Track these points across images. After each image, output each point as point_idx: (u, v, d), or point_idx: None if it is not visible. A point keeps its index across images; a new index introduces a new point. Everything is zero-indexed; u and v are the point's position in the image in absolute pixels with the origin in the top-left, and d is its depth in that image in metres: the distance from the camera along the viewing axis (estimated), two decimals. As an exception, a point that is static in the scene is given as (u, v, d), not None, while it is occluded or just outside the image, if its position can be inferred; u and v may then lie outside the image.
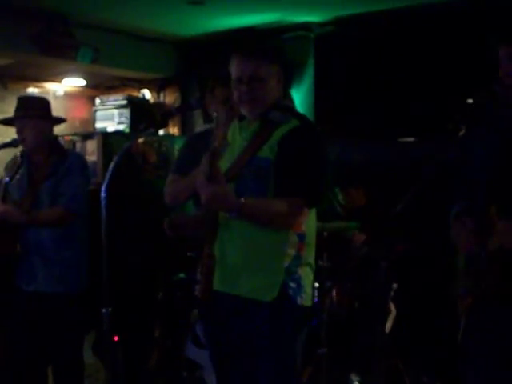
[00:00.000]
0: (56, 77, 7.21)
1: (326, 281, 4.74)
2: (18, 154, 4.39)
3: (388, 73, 5.75)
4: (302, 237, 3.08)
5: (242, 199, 2.89)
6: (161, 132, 6.99)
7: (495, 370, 2.78)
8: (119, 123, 7.05)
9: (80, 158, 4.48)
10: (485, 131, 2.93)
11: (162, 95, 7.48)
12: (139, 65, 7.04)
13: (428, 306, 5.29)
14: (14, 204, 4.14)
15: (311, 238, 3.15)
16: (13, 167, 4.36)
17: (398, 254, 4.90)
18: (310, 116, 6.14)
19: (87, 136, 6.48)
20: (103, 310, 3.36)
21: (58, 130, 4.50)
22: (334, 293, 4.87)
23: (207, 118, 4.15)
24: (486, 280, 2.74)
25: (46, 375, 4.40)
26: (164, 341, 5.15)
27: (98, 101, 7.31)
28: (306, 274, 3.11)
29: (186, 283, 4.90)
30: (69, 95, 7.62)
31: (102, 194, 3.28)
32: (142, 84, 7.50)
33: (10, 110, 4.44)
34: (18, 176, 4.30)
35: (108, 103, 7.19)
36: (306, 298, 3.09)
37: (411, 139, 5.67)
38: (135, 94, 7.49)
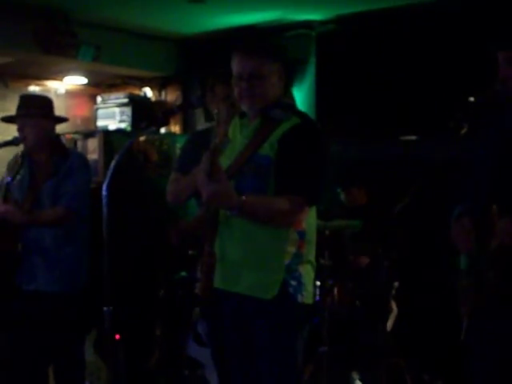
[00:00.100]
0: (57, 75, 7.20)
1: (328, 279, 4.74)
2: (20, 153, 4.39)
3: (389, 71, 5.75)
4: (302, 234, 3.07)
5: (243, 197, 2.89)
6: (162, 130, 6.99)
7: (498, 370, 2.78)
8: (121, 121, 7.04)
9: (81, 157, 4.48)
10: (487, 131, 2.93)
11: (163, 93, 7.48)
12: (141, 63, 7.04)
13: (429, 305, 5.29)
14: (16, 204, 4.13)
15: (312, 235, 3.15)
16: (14, 166, 4.35)
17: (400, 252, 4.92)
18: (312, 114, 6.14)
19: (88, 134, 6.47)
20: (104, 309, 3.36)
21: (60, 128, 4.49)
22: (335, 291, 4.87)
23: (208, 116, 4.15)
24: (488, 279, 2.74)
25: (46, 374, 4.40)
26: (165, 339, 5.15)
27: (99, 99, 7.30)
28: (307, 272, 3.10)
29: (187, 281, 4.90)
30: (70, 93, 7.62)
31: (104, 193, 3.27)
32: (144, 82, 7.50)
33: (11, 109, 4.44)
34: (19, 176, 4.30)
35: (109, 101, 7.18)
36: (307, 296, 3.09)
37: (413, 138, 5.66)
38: (137, 92, 7.49)
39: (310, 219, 3.13)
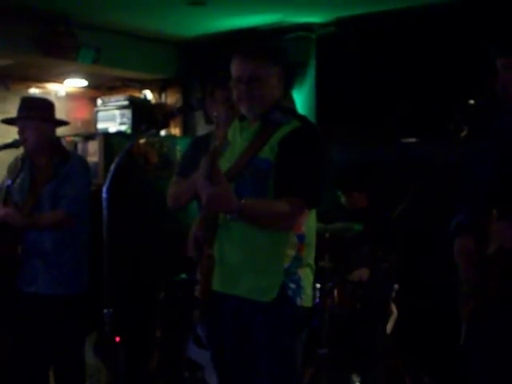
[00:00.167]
0: (58, 77, 7.21)
1: (328, 282, 4.74)
2: (20, 155, 4.39)
3: (389, 73, 5.75)
4: (301, 238, 3.07)
5: (243, 200, 2.89)
6: (162, 133, 7.00)
7: (498, 374, 2.78)
8: (121, 124, 7.05)
9: (81, 160, 4.48)
10: (486, 135, 2.93)
11: (163, 96, 7.48)
12: (141, 65, 7.05)
13: (429, 307, 5.29)
14: (16, 207, 4.14)
15: (311, 238, 3.15)
16: (15, 169, 4.36)
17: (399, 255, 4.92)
18: (312, 117, 6.14)
19: (89, 137, 6.48)
20: (105, 311, 3.37)
21: (60, 130, 4.50)
22: (335, 293, 4.87)
23: (208, 119, 4.15)
24: (487, 283, 2.74)
25: (47, 376, 4.40)
26: (165, 341, 5.15)
27: (99, 101, 7.31)
28: (306, 275, 3.10)
29: (187, 284, 4.90)
30: (70, 96, 7.63)
31: (104, 195, 3.28)
32: (144, 85, 7.50)
33: (12, 111, 4.45)
34: (19, 179, 4.30)
35: (110, 104, 7.19)
36: (306, 299, 3.09)
37: (413, 140, 5.67)
38: (137, 94, 7.49)
39: (309, 222, 3.13)
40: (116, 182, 3.27)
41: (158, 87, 7.48)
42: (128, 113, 7.03)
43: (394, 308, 4.95)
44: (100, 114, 7.26)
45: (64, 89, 7.51)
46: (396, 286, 4.96)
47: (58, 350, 4.29)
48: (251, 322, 3.05)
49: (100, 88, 7.73)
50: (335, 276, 4.83)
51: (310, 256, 3.14)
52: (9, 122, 4.38)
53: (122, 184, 3.80)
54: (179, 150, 6.37)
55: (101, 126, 7.20)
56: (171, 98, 7.44)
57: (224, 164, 3.05)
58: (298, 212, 2.99)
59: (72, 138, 6.53)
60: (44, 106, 4.33)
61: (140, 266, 5.86)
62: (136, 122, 6.94)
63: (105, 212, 3.29)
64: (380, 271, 4.64)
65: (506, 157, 2.78)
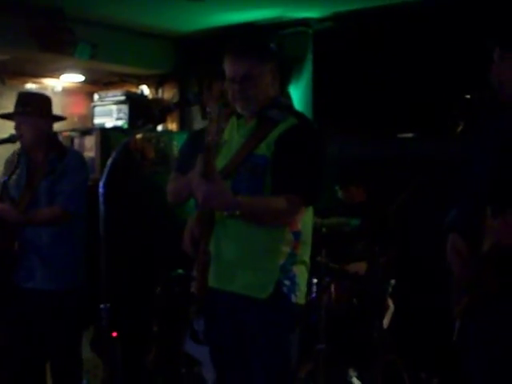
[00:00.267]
0: (54, 72, 7.20)
1: (325, 277, 4.74)
2: (17, 150, 4.38)
3: (387, 68, 5.75)
4: (297, 235, 3.08)
5: (239, 197, 2.89)
6: (159, 128, 6.99)
7: (493, 370, 2.78)
8: (117, 119, 7.05)
9: (78, 155, 4.47)
10: (484, 132, 2.93)
11: (160, 91, 7.48)
12: (138, 61, 7.04)
13: (426, 302, 5.29)
14: (12, 202, 4.13)
15: (307, 236, 3.15)
16: (11, 165, 4.35)
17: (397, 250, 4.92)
18: (309, 112, 6.14)
19: (85, 132, 6.48)
20: (101, 306, 3.37)
21: (57, 126, 4.49)
22: (332, 289, 4.87)
23: (205, 114, 4.14)
24: (482, 279, 2.74)
25: (44, 371, 4.40)
26: (162, 337, 5.15)
27: (96, 97, 7.31)
28: (301, 272, 3.11)
29: (184, 279, 4.90)
30: (67, 91, 7.61)
31: (100, 190, 3.28)
32: (141, 80, 7.49)
33: (8, 106, 4.44)
34: (15, 174, 4.29)
35: (106, 99, 7.19)
36: (300, 296, 3.10)
37: (410, 135, 5.67)
38: (133, 89, 7.49)
39: (305, 219, 3.13)
40: (113, 178, 3.27)
41: (155, 82, 7.47)
42: (125, 108, 7.03)
43: (390, 303, 4.95)
44: (97, 109, 7.26)
45: (61, 84, 7.50)
46: (393, 281, 4.96)
47: (55, 346, 4.28)
48: (246, 319, 3.06)
49: (97, 83, 7.72)
50: (332, 271, 4.83)
51: (305, 253, 3.14)
52: (5, 117, 4.37)
53: (119, 179, 3.80)
54: (176, 145, 6.37)
55: (97, 121, 7.20)
56: (168, 93, 7.43)
57: (221, 161, 3.06)
58: (295, 209, 3.00)
59: (69, 133, 6.53)
60: (41, 102, 4.32)
61: (137, 261, 5.86)
62: (133, 117, 6.95)
63: (101, 207, 3.29)
64: (377, 266, 4.63)
65: (504, 154, 2.77)
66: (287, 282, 3.04)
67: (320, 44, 6.35)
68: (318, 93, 6.34)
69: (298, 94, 6.21)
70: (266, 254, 3.03)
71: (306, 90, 6.36)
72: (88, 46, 6.35)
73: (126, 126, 6.90)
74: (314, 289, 4.74)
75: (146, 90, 7.48)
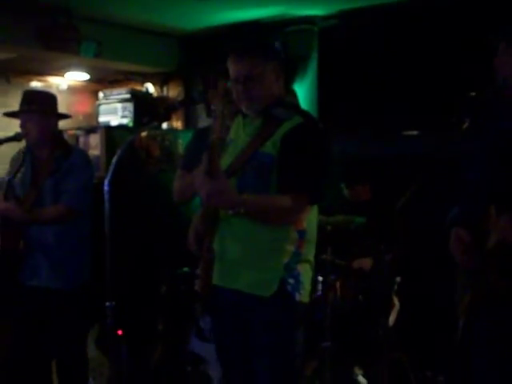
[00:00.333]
0: (59, 71, 7.20)
1: (330, 274, 4.73)
2: (22, 149, 4.39)
3: (391, 66, 5.74)
4: (302, 233, 3.08)
5: (244, 195, 2.89)
6: (164, 126, 6.99)
7: (495, 369, 2.78)
8: (123, 117, 7.05)
9: (83, 154, 4.47)
10: (485, 130, 2.93)
11: (165, 89, 7.48)
12: (143, 59, 7.04)
13: (431, 300, 5.29)
14: (17, 201, 4.13)
15: (312, 234, 3.15)
16: (17, 163, 4.35)
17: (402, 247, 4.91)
18: (314, 110, 6.14)
19: (90, 130, 6.48)
20: (107, 304, 3.37)
21: (62, 124, 4.49)
22: (337, 286, 4.87)
23: (210, 112, 4.15)
24: (485, 277, 2.73)
25: (49, 370, 4.41)
26: (168, 335, 5.15)
27: (101, 95, 7.31)
28: (305, 271, 3.11)
29: (189, 277, 4.90)
30: (72, 89, 7.62)
31: (105, 188, 3.28)
32: (146, 78, 7.49)
33: (13, 104, 4.44)
34: (20, 172, 4.30)
35: (111, 97, 7.19)
36: (305, 295, 3.10)
37: (415, 133, 5.66)
38: (138, 87, 7.49)
39: (310, 218, 3.13)
40: (118, 176, 3.27)
41: (160, 80, 7.47)
42: (130, 106, 7.03)
43: (396, 300, 4.94)
44: (102, 108, 7.26)
45: (66, 82, 7.50)
46: (398, 279, 4.96)
47: (61, 344, 4.29)
48: (251, 316, 3.07)
49: (102, 81, 7.72)
50: (337, 268, 4.83)
51: (309, 252, 3.14)
52: (11, 115, 4.38)
53: (124, 177, 3.80)
54: (181, 143, 6.36)
55: (102, 119, 7.20)
56: (173, 92, 7.43)
57: (227, 159, 3.06)
58: (300, 208, 3.00)
59: (74, 132, 6.53)
60: (46, 100, 4.32)
61: (142, 259, 5.86)
62: (138, 115, 6.94)
63: (107, 205, 3.30)
64: (382, 264, 4.63)
65: (505, 153, 2.77)
66: (291, 281, 3.04)
67: (325, 42, 6.34)
68: (322, 91, 6.33)
69: (302, 92, 6.19)
70: (271, 252, 3.03)
71: (310, 88, 6.35)
72: (93, 44, 6.35)
73: (131, 124, 6.90)
74: (320, 286, 4.73)
75: (151, 88, 7.48)
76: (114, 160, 3.28)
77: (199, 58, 7.04)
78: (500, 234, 2.67)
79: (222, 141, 3.10)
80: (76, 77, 7.36)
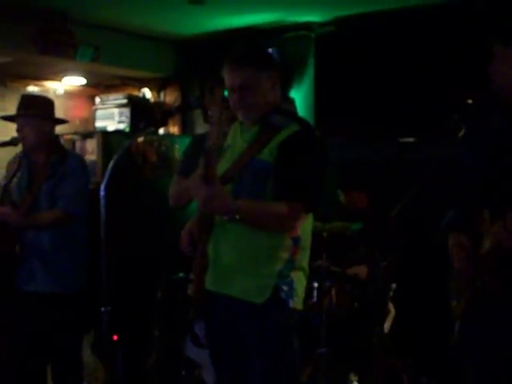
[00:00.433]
0: (56, 75, 7.20)
1: (326, 281, 4.73)
2: (19, 153, 4.38)
3: (388, 73, 5.75)
4: (296, 241, 3.08)
5: (239, 202, 2.90)
6: (161, 131, 6.99)
7: (490, 371, 2.79)
8: (119, 122, 7.05)
9: (79, 159, 4.47)
10: (475, 132, 2.94)
11: (162, 94, 7.49)
12: (139, 64, 7.04)
13: (427, 307, 5.29)
14: (13, 205, 4.13)
15: (306, 242, 3.15)
16: (13, 167, 4.35)
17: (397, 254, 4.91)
18: (310, 115, 6.15)
19: (87, 135, 6.47)
20: (102, 309, 3.37)
21: (58, 129, 4.49)
22: (333, 293, 4.87)
23: (207, 118, 4.15)
24: (480, 280, 2.74)
25: (45, 374, 4.40)
26: (163, 340, 5.14)
27: (98, 100, 7.31)
28: (299, 278, 3.11)
29: (185, 282, 4.90)
30: (69, 94, 7.62)
31: (102, 193, 3.28)
32: (143, 83, 7.50)
33: (10, 108, 4.45)
34: (17, 177, 4.29)
35: (108, 102, 7.19)
36: (298, 302, 3.10)
37: (411, 139, 5.66)
38: (135, 93, 7.50)
39: (305, 226, 3.13)
40: (114, 181, 3.27)
41: (157, 86, 7.48)
42: (126, 111, 7.02)
43: (391, 307, 4.94)
44: (98, 113, 7.26)
45: (62, 87, 7.50)
46: (394, 285, 4.96)
47: (56, 348, 4.29)
48: (243, 323, 3.07)
49: (98, 86, 7.72)
50: (333, 275, 4.83)
51: (303, 259, 3.14)
52: (8, 119, 4.38)
53: (120, 182, 3.80)
54: (178, 148, 6.37)
55: (99, 124, 7.20)
56: (170, 97, 7.44)
57: (224, 165, 3.07)
58: (295, 215, 3.00)
59: (70, 137, 6.52)
60: (43, 104, 4.32)
61: (138, 265, 5.86)
62: (134, 120, 6.94)
63: (103, 210, 3.30)
64: (378, 270, 4.63)
65: (496, 156, 2.78)
66: (285, 288, 3.04)
67: (322, 48, 6.35)
68: (319, 97, 6.34)
69: (299, 98, 6.21)
70: (265, 259, 3.03)
71: (307, 94, 6.36)
72: (89, 49, 6.36)
73: (127, 130, 6.89)
74: (315, 293, 4.73)
75: (147, 93, 7.49)
76: (111, 165, 3.28)
77: (196, 64, 7.05)
78: (494, 239, 2.67)
79: (219, 147, 3.10)
80: (73, 81, 7.36)
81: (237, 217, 2.90)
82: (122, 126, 7.00)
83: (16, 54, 6.26)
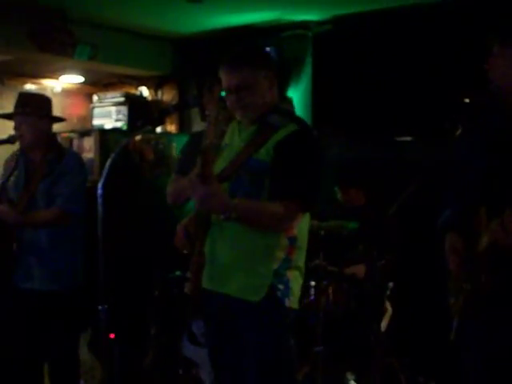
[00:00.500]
0: (53, 73, 7.20)
1: (323, 279, 4.74)
2: (17, 151, 4.38)
3: (386, 72, 5.75)
4: (292, 240, 3.08)
5: (236, 200, 2.90)
6: (158, 129, 6.99)
7: (489, 370, 2.79)
8: (117, 120, 7.05)
9: (77, 157, 4.47)
10: (473, 132, 2.94)
11: (159, 93, 7.48)
12: (137, 62, 7.04)
13: (424, 305, 5.29)
14: (10, 204, 4.13)
15: (302, 241, 3.15)
16: (10, 165, 4.35)
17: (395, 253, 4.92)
18: (308, 114, 6.15)
19: (84, 133, 6.48)
20: (99, 308, 3.37)
21: (56, 126, 4.49)
22: (330, 291, 4.87)
23: (204, 116, 4.15)
24: (478, 277, 2.74)
25: (41, 372, 4.40)
26: (160, 339, 5.15)
27: (95, 98, 7.31)
28: (295, 278, 3.11)
29: (181, 281, 4.90)
30: (66, 92, 7.61)
31: (99, 191, 3.28)
32: (140, 81, 7.49)
33: (7, 106, 4.44)
34: (14, 175, 4.29)
35: (106, 100, 7.19)
36: (294, 301, 3.10)
37: (408, 138, 5.67)
38: (133, 91, 7.49)
39: (302, 225, 3.13)
40: (111, 179, 3.27)
41: (155, 84, 7.48)
42: (124, 109, 7.03)
43: (388, 306, 4.95)
44: (96, 111, 7.26)
45: (60, 85, 7.50)
46: (391, 284, 4.96)
47: (53, 347, 4.29)
48: (239, 321, 3.07)
49: (96, 84, 7.72)
50: (330, 274, 4.83)
51: (300, 259, 3.15)
52: (5, 117, 4.37)
53: (118, 181, 3.80)
54: (175, 146, 6.38)
55: (96, 122, 7.20)
56: (167, 95, 7.43)
57: (221, 164, 3.07)
58: (291, 215, 3.00)
59: (68, 135, 6.53)
60: (41, 102, 4.32)
61: (135, 263, 5.86)
62: (132, 118, 6.95)
63: (100, 208, 3.29)
64: (375, 269, 4.63)
65: (493, 155, 2.78)
66: (281, 287, 3.04)
67: (319, 47, 6.35)
68: (317, 95, 6.34)
69: (297, 97, 6.21)
70: (261, 258, 3.03)
71: (305, 93, 6.36)
72: (87, 47, 6.35)
73: (125, 128, 6.90)
74: (312, 291, 4.74)
75: (145, 91, 7.48)
76: (108, 163, 3.28)
77: (194, 62, 7.05)
78: (491, 237, 2.67)
79: (216, 146, 3.10)
80: (70, 80, 7.36)
81: (233, 216, 2.91)
82: (119, 124, 7.00)
83: (14, 51, 6.25)
